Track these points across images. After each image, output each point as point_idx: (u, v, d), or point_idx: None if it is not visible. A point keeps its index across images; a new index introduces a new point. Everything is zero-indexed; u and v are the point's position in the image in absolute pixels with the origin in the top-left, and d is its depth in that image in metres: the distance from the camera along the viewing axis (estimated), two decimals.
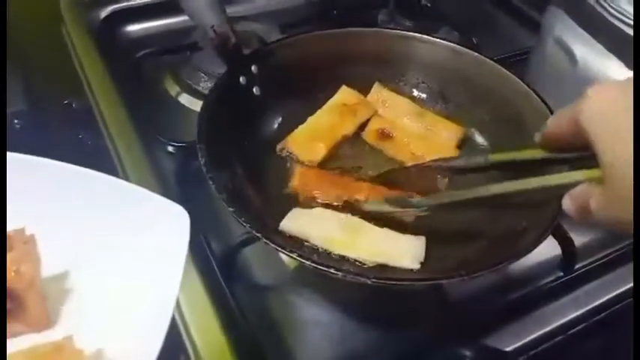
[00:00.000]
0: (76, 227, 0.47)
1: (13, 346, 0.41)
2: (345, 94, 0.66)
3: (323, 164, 0.62)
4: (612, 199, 0.35)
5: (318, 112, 0.65)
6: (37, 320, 0.43)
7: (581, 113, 0.36)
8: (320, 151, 0.61)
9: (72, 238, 0.47)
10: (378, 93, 0.67)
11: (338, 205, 0.56)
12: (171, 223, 0.45)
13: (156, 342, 0.39)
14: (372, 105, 0.67)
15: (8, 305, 0.41)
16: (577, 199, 0.39)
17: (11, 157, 0.47)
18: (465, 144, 0.65)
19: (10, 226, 0.44)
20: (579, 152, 0.40)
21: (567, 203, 0.39)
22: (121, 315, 0.43)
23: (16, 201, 0.45)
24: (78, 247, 0.47)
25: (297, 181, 0.58)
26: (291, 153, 0.62)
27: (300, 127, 0.63)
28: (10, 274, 0.42)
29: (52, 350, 0.40)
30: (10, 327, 0.42)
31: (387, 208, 0.53)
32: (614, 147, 0.34)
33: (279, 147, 0.62)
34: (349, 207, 0.55)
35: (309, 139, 0.62)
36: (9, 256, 0.42)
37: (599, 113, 0.35)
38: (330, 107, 0.65)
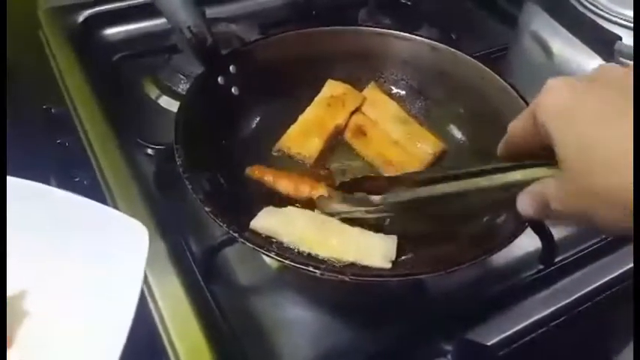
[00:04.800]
0: (33, 247, 0.46)
1: None
2: (331, 87, 0.66)
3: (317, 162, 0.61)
4: (572, 193, 0.35)
5: (308, 108, 0.64)
6: None
7: (538, 106, 0.37)
8: (315, 145, 0.61)
9: (30, 258, 0.46)
10: (371, 93, 0.67)
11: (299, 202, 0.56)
12: (129, 240, 0.44)
13: None
14: (361, 94, 0.66)
15: None
16: (535, 196, 0.39)
17: None
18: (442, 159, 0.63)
19: None
20: (540, 160, 0.40)
21: (524, 200, 0.40)
22: (77, 337, 0.43)
23: None
24: (36, 267, 0.46)
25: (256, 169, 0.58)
26: (286, 153, 0.62)
27: (292, 126, 0.63)
28: None
29: None
30: None
31: (344, 207, 0.52)
32: (569, 139, 0.35)
33: (274, 149, 0.62)
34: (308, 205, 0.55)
35: (303, 135, 0.62)
36: None
37: (555, 105, 0.36)
38: (318, 102, 0.65)
